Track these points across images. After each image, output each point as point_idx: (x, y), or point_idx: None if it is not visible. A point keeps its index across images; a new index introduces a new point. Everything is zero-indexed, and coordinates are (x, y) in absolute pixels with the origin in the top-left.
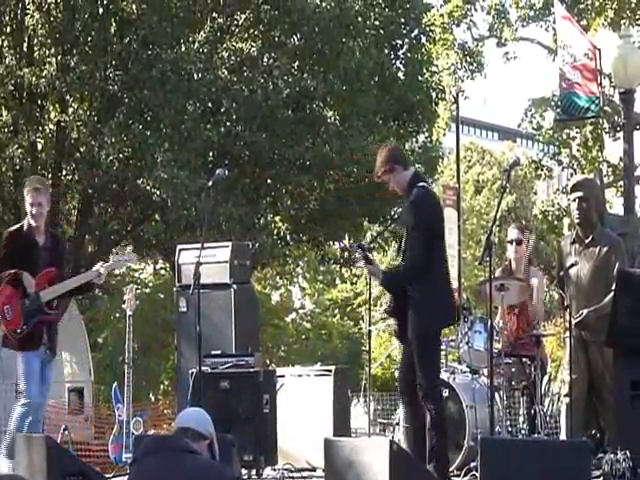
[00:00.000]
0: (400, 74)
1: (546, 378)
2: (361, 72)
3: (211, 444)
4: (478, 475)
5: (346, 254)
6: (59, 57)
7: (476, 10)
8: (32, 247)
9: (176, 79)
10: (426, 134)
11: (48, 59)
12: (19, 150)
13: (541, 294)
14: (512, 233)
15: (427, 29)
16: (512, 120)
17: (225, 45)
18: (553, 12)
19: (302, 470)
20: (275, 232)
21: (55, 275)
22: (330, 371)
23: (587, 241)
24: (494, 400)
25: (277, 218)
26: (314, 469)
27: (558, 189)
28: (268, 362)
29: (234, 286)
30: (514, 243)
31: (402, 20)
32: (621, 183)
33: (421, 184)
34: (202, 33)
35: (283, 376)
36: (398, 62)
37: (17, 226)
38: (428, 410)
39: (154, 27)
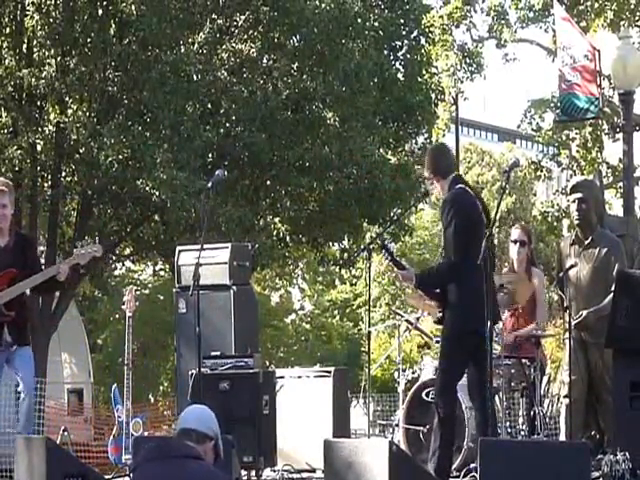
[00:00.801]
0: (399, 75)
1: (545, 379)
2: (360, 73)
3: (216, 444)
4: (477, 476)
5: (346, 255)
6: (58, 58)
7: (475, 11)
8: None
9: (175, 80)
10: (425, 135)
11: (47, 60)
12: (18, 151)
13: (542, 295)
14: (515, 233)
15: (426, 30)
16: (511, 121)
17: (224, 46)
18: (552, 13)
19: (302, 471)
20: (274, 233)
21: (15, 276)
22: (329, 372)
23: (586, 242)
24: (494, 401)
25: (276, 219)
26: (314, 470)
27: (557, 190)
28: (268, 363)
29: (233, 287)
30: (517, 243)
31: (401, 21)
32: (620, 184)
33: (459, 186)
34: (201, 34)
35: (282, 377)
36: (397, 63)
37: None
38: (437, 409)
39: (153, 28)
